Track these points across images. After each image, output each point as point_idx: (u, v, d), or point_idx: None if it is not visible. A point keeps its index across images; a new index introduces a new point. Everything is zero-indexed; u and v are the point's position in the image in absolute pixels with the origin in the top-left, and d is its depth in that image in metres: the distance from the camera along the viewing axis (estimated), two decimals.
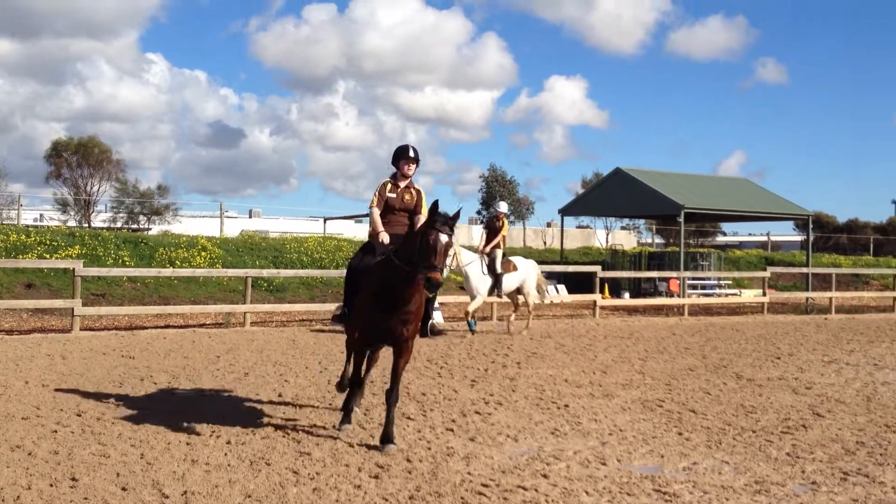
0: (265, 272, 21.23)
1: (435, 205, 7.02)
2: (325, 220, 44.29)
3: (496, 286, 16.64)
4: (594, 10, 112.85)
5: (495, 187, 70.77)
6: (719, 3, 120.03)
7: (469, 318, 16.70)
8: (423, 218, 8.06)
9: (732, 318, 23.17)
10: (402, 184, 8.52)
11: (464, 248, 17.39)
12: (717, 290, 28.80)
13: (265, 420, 8.24)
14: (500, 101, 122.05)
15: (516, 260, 17.48)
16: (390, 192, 8.50)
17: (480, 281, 16.51)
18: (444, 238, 6.92)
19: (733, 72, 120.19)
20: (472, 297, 16.65)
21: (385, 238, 8.04)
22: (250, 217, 53.19)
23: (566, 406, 9.23)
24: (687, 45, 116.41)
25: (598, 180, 36.90)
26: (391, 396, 7.38)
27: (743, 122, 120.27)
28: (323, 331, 17.10)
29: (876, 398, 10.11)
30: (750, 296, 27.64)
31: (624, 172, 29.95)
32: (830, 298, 26.66)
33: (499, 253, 16.70)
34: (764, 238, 52.88)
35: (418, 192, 8.59)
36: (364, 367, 8.22)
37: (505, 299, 17.80)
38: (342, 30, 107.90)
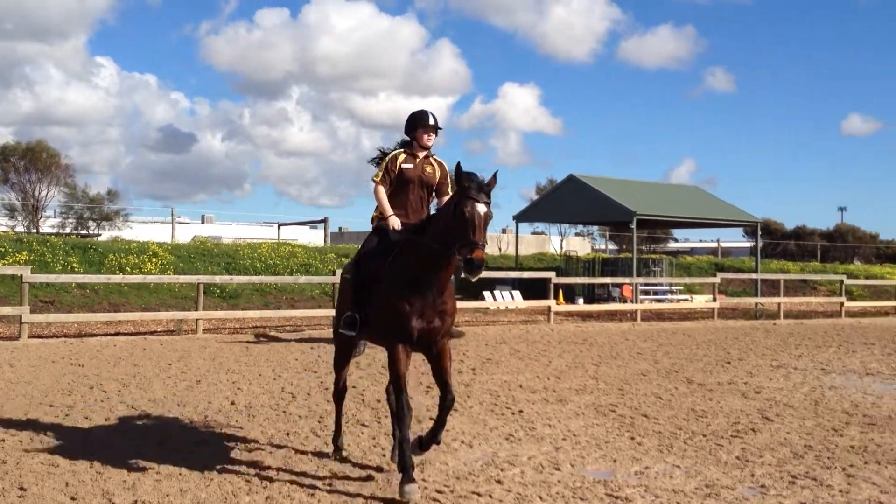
0: (218, 278, 21.03)
1: (459, 167, 5.91)
2: (279, 226, 44.00)
3: None
4: (546, 19, 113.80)
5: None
6: (669, 13, 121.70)
7: None
8: (445, 198, 6.83)
9: (684, 324, 23.45)
10: (421, 154, 6.92)
11: None
12: (669, 296, 29.13)
13: (217, 428, 8.17)
14: (455, 107, 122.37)
15: None
16: (405, 162, 6.85)
17: None
18: (481, 208, 5.78)
19: (683, 80, 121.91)
20: None
21: (396, 223, 6.64)
22: (203, 223, 52.63)
23: (520, 411, 9.28)
24: (638, 53, 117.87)
25: (552, 187, 37.20)
26: (446, 402, 6.16)
27: (693, 131, 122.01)
28: (277, 339, 16.99)
29: (823, 402, 10.30)
30: (701, 301, 28.01)
31: (577, 179, 30.19)
32: (779, 304, 27.14)
33: None
34: (714, 244, 53.64)
35: (441, 165, 6.98)
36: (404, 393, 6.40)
37: None
38: (295, 34, 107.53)
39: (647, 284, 28.37)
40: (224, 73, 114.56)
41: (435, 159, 6.96)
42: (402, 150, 6.95)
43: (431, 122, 6.89)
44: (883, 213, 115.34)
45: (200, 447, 7.33)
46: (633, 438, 8.06)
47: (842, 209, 73.64)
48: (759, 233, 34.42)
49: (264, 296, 23.74)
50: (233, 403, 9.49)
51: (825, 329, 22.62)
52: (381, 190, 6.84)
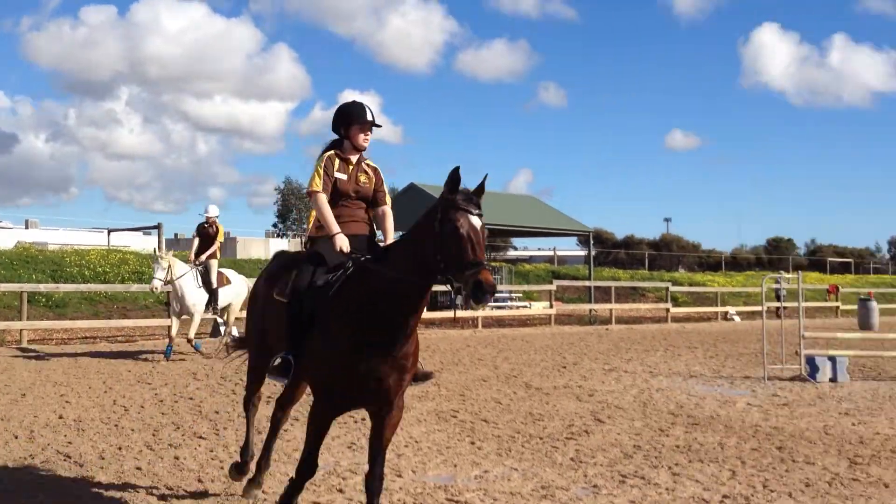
0: (42, 287, 19.97)
1: (456, 173, 4.80)
2: (108, 232, 42.18)
3: (212, 301, 15.13)
4: (385, 28, 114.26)
5: (291, 200, 69.99)
6: (503, 28, 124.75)
7: (194, 342, 15.22)
8: (388, 210, 5.89)
9: (523, 330, 24.08)
10: (354, 158, 5.79)
11: (177, 258, 15.77)
12: (509, 303, 29.81)
13: (44, 444, 7.76)
14: (295, 112, 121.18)
15: (229, 273, 16.01)
16: (339, 170, 5.72)
17: (196, 296, 14.91)
18: (476, 221, 4.76)
19: (518, 93, 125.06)
20: (182, 315, 15.09)
21: (343, 243, 5.41)
22: (26, 228, 49.85)
23: (363, 419, 9.25)
24: (474, 66, 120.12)
25: (393, 195, 37.32)
26: (374, 483, 5.11)
27: (530, 142, 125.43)
28: (111, 353, 16.30)
29: (651, 404, 10.79)
30: (539, 308, 28.81)
31: (418, 188, 30.44)
32: (611, 310, 28.30)
33: (214, 263, 15.24)
34: (551, 252, 55.30)
35: (375, 171, 5.91)
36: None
37: (216, 316, 15.63)
38: (123, 33, 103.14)
39: None
40: (47, 72, 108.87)
41: (368, 164, 5.87)
42: (335, 152, 5.77)
43: (370, 116, 5.74)
44: (704, 223, 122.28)
45: (26, 464, 6.94)
46: (473, 443, 8.20)
47: (667, 220, 77.61)
48: (592, 242, 35.75)
49: (94, 305, 22.73)
50: (61, 417, 9.04)
51: (653, 334, 23.74)
52: (324, 199, 5.58)
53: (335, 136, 5.89)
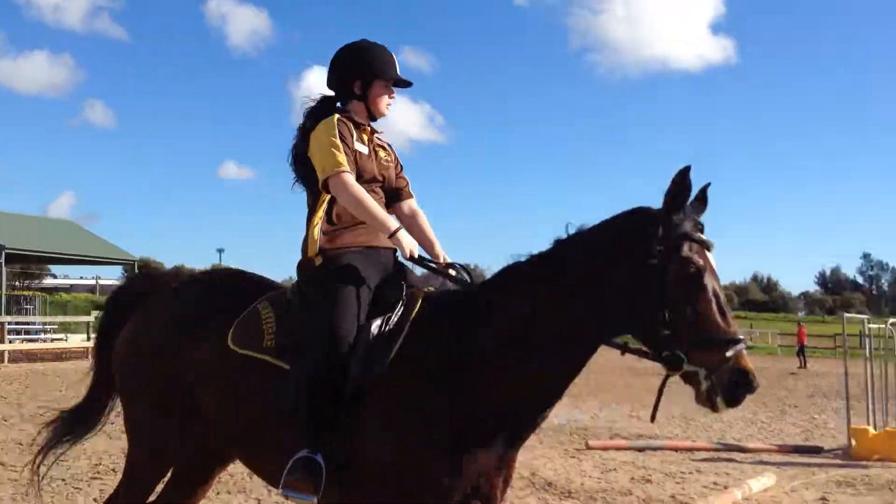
0: None
1: (686, 177, 2.94)
2: None
3: None
4: None
5: None
6: (45, 39, 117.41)
7: None
8: (415, 205, 3.97)
9: (58, 365, 22.72)
10: (368, 128, 3.85)
11: None
12: (42, 336, 27.97)
13: None
14: None
15: None
16: (358, 141, 3.71)
17: None
18: (715, 262, 2.99)
19: (62, 109, 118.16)
20: None
21: (413, 245, 3.49)
22: None
23: None
24: (10, 76, 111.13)
25: None
26: None
27: (73, 163, 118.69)
28: None
29: None
30: (77, 340, 27.39)
31: None
32: None
33: None
34: (93, 282, 52.74)
35: (391, 147, 4.02)
36: None
37: None
38: None
39: (17, 323, 26.98)
40: None
41: (381, 138, 3.94)
42: (344, 117, 3.71)
43: (398, 69, 3.88)
44: (259, 254, 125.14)
45: None
46: None
47: (220, 251, 77.85)
48: (137, 271, 34.93)
49: None
50: None
51: None
52: (356, 187, 3.53)
53: (327, 93, 3.93)
